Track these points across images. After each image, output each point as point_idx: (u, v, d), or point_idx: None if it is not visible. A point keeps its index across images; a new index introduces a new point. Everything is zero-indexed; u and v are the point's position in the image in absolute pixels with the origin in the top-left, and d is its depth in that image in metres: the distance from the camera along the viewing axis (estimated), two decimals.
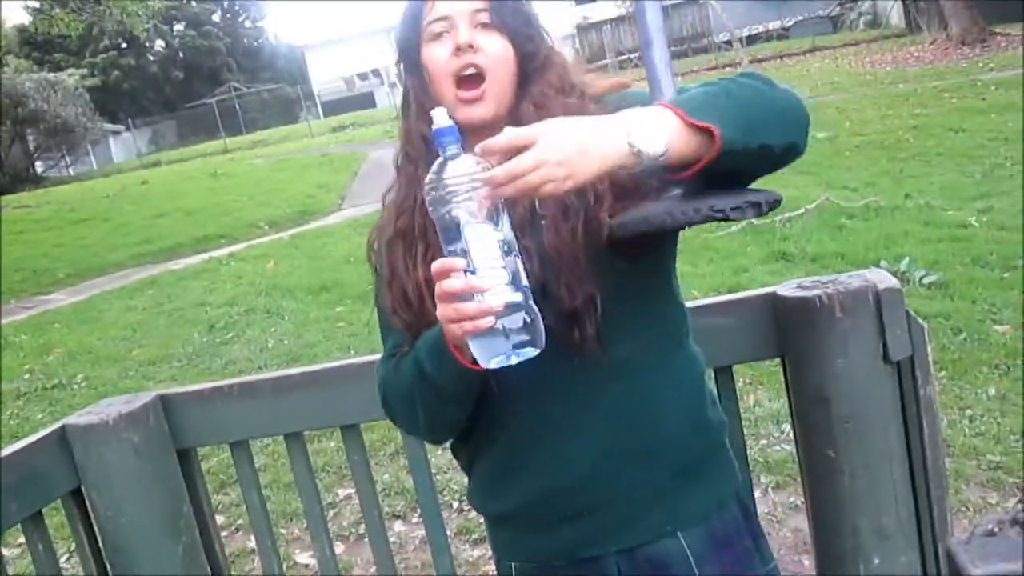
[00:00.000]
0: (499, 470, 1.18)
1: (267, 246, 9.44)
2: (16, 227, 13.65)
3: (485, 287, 0.92)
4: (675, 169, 0.94)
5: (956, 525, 1.67)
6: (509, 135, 0.90)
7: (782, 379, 1.50)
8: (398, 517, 3.26)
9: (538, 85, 1.12)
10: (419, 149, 1.15)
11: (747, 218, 0.95)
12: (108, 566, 1.61)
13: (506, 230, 0.94)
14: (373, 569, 1.93)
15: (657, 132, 0.91)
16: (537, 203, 1.06)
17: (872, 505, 1.37)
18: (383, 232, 1.18)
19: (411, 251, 1.12)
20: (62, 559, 2.89)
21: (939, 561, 1.38)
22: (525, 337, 0.95)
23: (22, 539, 1.78)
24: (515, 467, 1.15)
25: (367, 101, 33.84)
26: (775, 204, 0.94)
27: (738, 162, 0.95)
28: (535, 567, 1.19)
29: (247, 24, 44.65)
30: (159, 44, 40.72)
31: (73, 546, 1.66)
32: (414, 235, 1.12)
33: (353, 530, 3.19)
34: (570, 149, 0.88)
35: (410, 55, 1.14)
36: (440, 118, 0.94)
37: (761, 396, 3.62)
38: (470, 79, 1.08)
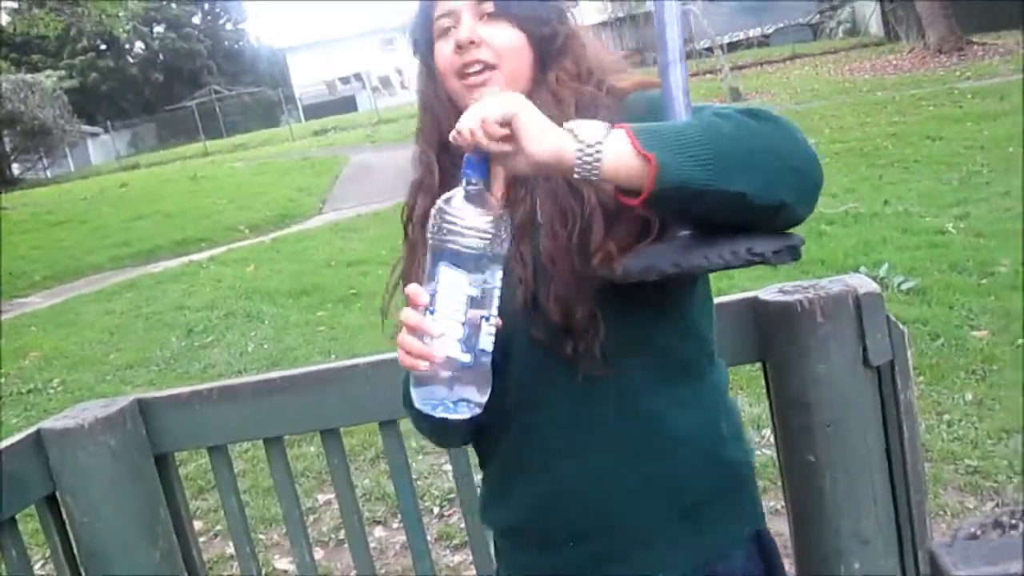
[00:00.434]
0: (497, 483, 1.17)
1: (247, 250, 9.38)
2: None
3: (435, 333, 0.90)
4: (626, 194, 0.88)
5: (935, 529, 1.68)
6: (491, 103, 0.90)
7: (763, 384, 1.50)
8: (378, 522, 3.24)
9: (552, 71, 1.08)
10: (429, 157, 1.14)
11: (784, 262, 0.88)
12: (83, 572, 1.59)
13: (484, 287, 0.91)
14: (353, 574, 1.92)
15: (599, 132, 0.87)
16: (539, 211, 1.03)
17: (852, 509, 1.37)
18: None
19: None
20: (37, 565, 2.85)
21: (918, 565, 1.39)
22: (467, 397, 0.93)
23: None
24: (510, 482, 1.13)
25: (349, 105, 33.78)
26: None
27: (705, 205, 0.86)
28: None
29: (228, 26, 44.47)
30: (139, 46, 40.48)
31: (48, 552, 1.64)
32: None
33: (333, 536, 3.17)
34: (537, 122, 0.87)
35: (425, 54, 1.13)
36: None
37: (742, 401, 3.64)
38: (476, 72, 1.06)
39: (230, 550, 3.02)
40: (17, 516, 1.53)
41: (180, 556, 1.65)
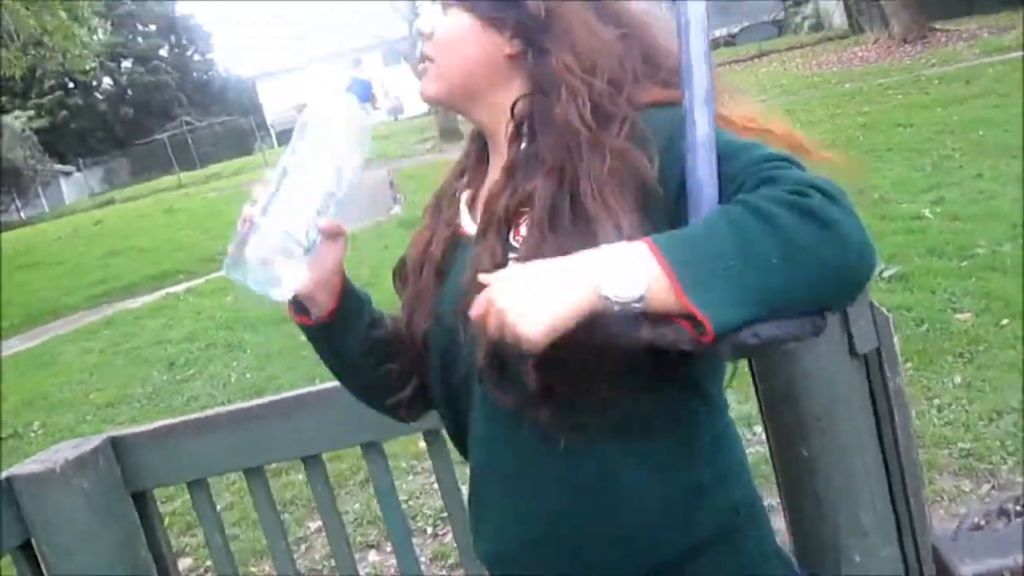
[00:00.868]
0: (473, 518, 1.11)
1: (225, 280, 9.19)
2: None
3: (252, 197, 0.98)
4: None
5: (933, 515, 1.66)
6: (476, 303, 0.81)
7: (750, 381, 1.47)
8: (372, 547, 3.19)
9: (539, 70, 0.97)
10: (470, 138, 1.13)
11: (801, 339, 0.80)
12: None
13: (299, 167, 0.97)
14: None
15: (636, 278, 0.77)
16: (519, 238, 0.95)
17: (848, 502, 1.35)
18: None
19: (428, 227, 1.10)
20: None
21: (920, 554, 1.36)
22: (249, 263, 0.98)
23: None
24: (481, 520, 1.09)
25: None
26: None
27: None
28: None
29: (196, 58, 44.31)
30: (107, 82, 40.22)
31: None
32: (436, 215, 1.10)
33: (326, 563, 3.12)
34: (525, 301, 0.77)
35: None
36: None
37: (730, 399, 3.61)
38: (423, 64, 1.04)
39: None
40: None
41: None
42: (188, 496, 1.65)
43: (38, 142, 28.66)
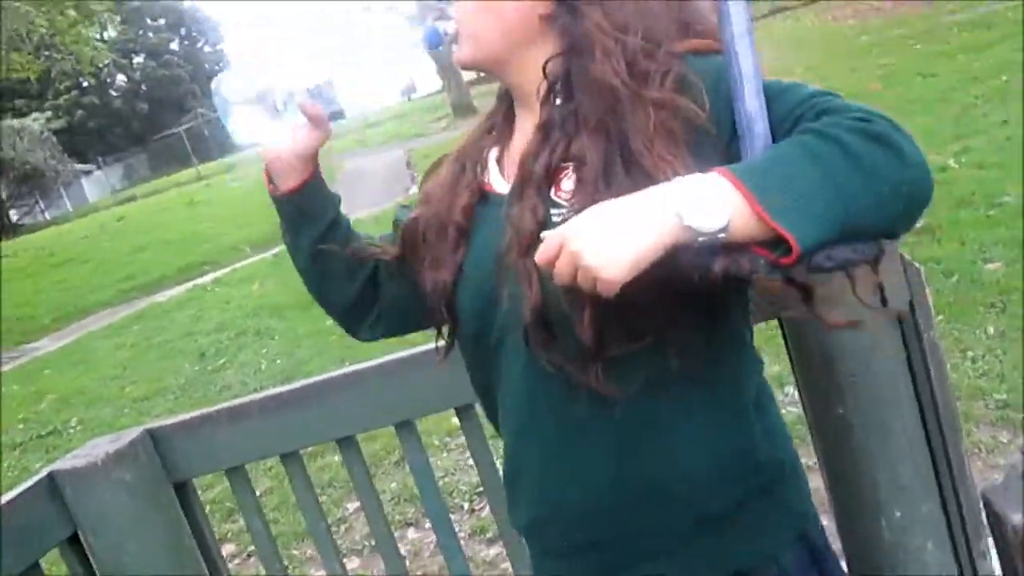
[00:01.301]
0: (507, 486, 1.12)
1: (251, 268, 9.36)
2: None
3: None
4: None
5: (971, 467, 1.65)
6: (543, 248, 0.81)
7: (781, 341, 1.46)
8: (410, 524, 3.22)
9: (570, 30, 0.96)
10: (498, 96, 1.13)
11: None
12: None
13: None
14: None
15: (716, 208, 0.77)
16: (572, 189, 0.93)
17: (888, 458, 1.33)
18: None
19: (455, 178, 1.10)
20: None
21: (961, 506, 1.35)
22: (239, 113, 1.04)
23: None
24: (514, 489, 1.09)
25: (336, 114, 33.63)
26: None
27: None
28: None
29: (207, 49, 44.40)
30: (120, 79, 40.43)
31: None
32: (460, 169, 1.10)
33: (366, 543, 3.15)
34: (604, 240, 0.77)
35: None
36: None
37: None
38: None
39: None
40: (42, 561, 1.51)
41: None
42: (227, 483, 1.67)
43: (57, 143, 28.87)
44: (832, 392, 1.33)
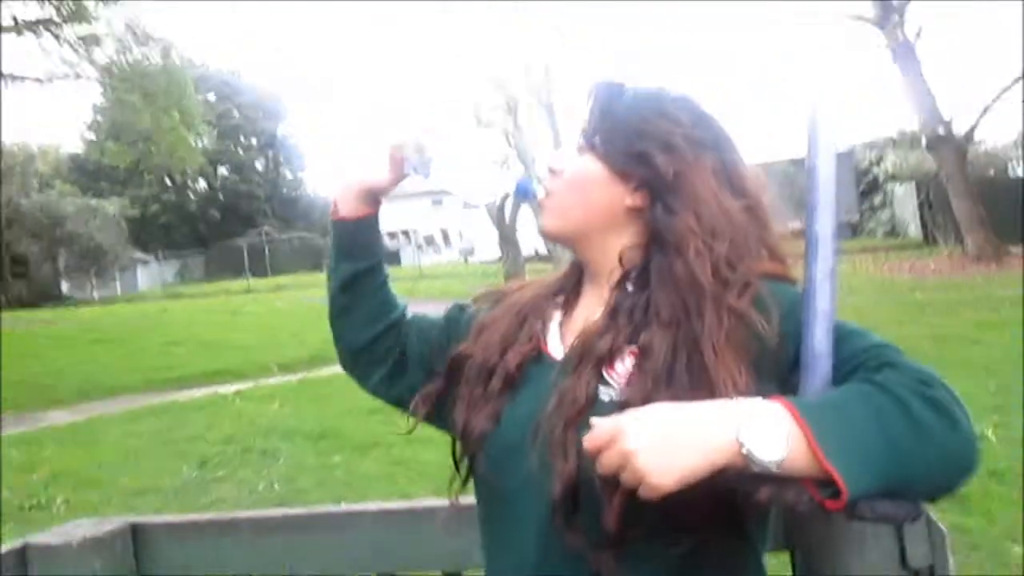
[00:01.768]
0: None
1: (275, 387, 9.37)
2: (32, 342, 13.76)
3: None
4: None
5: None
6: (594, 434, 0.82)
7: (790, 573, 1.40)
8: None
9: (663, 225, 1.00)
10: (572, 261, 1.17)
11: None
12: None
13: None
14: None
15: (776, 440, 0.78)
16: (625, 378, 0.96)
17: None
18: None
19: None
20: None
21: None
22: None
23: None
24: None
25: (392, 259, 34.64)
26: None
27: None
28: None
29: (288, 174, 46.59)
30: (202, 184, 42.42)
31: None
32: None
33: None
34: (660, 447, 0.78)
35: None
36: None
37: None
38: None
39: None
40: None
41: None
42: None
43: (126, 228, 30.04)
44: None
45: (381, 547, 1.49)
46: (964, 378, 7.24)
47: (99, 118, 29.04)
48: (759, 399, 0.82)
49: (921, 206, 21.53)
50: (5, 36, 16.49)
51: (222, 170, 42.64)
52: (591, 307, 1.06)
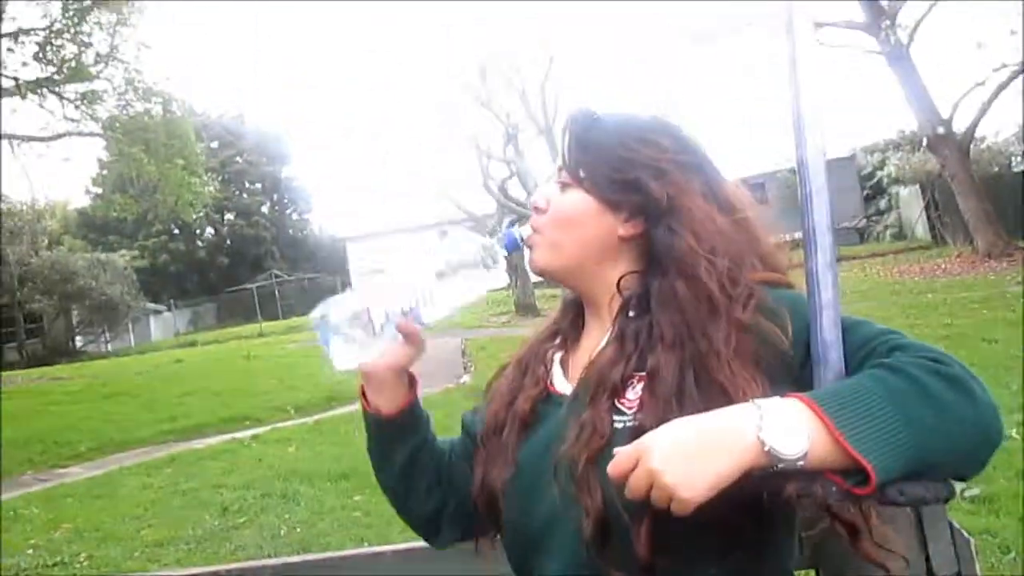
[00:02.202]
0: None
1: (291, 430, 9.36)
2: (47, 399, 13.79)
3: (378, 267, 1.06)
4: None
5: None
6: (617, 460, 0.83)
7: None
8: None
9: (663, 247, 1.02)
10: (564, 301, 1.18)
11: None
12: None
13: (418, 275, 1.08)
14: None
15: (797, 434, 0.79)
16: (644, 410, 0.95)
17: None
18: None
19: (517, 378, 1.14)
20: None
21: None
22: (340, 342, 1.07)
23: None
24: None
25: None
26: None
27: None
28: None
29: (294, 216, 46.90)
30: (209, 231, 42.73)
31: None
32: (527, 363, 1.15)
33: None
34: (684, 460, 0.79)
35: None
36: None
37: None
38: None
39: None
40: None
41: None
42: None
43: (136, 280, 30.22)
44: None
45: None
46: (984, 379, 7.16)
47: (104, 172, 29.34)
48: (774, 398, 0.83)
49: (927, 207, 21.48)
50: (7, 100, 16.74)
51: (228, 216, 42.96)
52: (594, 339, 1.07)
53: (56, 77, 17.29)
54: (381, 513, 5.59)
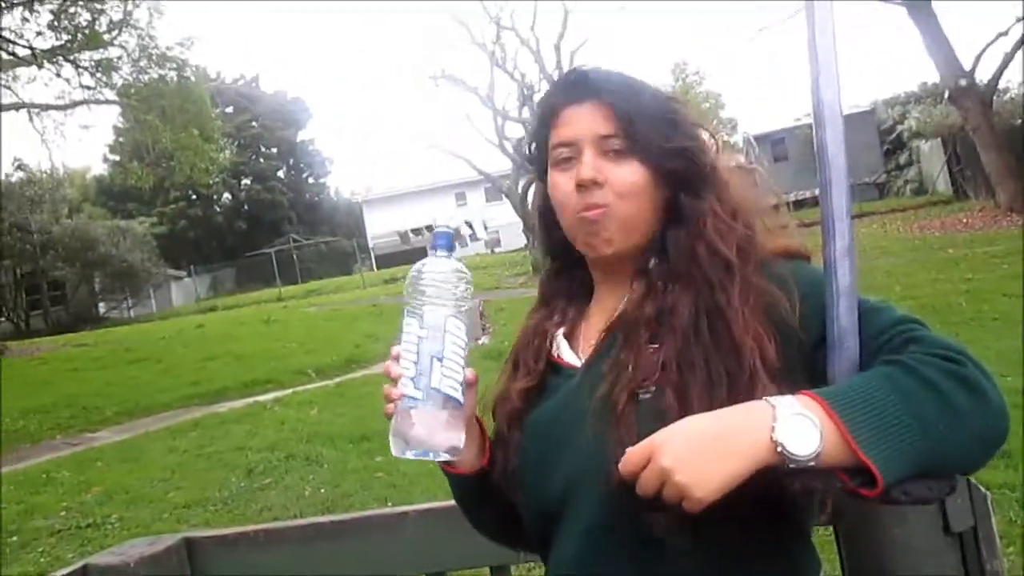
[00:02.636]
0: None
1: (312, 393, 9.47)
2: (72, 364, 14.02)
3: (394, 374, 1.00)
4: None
5: None
6: (628, 458, 0.84)
7: (835, 549, 1.41)
8: None
9: (694, 210, 1.01)
10: (547, 281, 1.16)
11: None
12: None
13: (432, 330, 0.99)
14: None
15: (810, 435, 0.79)
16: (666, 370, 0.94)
17: None
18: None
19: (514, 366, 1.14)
20: None
21: None
22: (416, 437, 0.98)
23: None
24: None
25: (420, 255, 34.57)
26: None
27: None
28: None
29: (310, 180, 46.94)
30: (226, 196, 42.87)
31: None
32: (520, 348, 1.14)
33: None
34: (696, 459, 0.80)
35: (539, 172, 1.10)
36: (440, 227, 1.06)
37: None
38: (595, 210, 1.01)
39: None
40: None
41: None
42: None
43: (156, 247, 30.45)
44: None
45: (429, 546, 1.52)
46: (1002, 334, 7.14)
47: (120, 140, 29.42)
48: (787, 396, 0.83)
49: (948, 161, 21.18)
50: (24, 70, 16.77)
51: (245, 181, 43.05)
52: (609, 305, 1.06)
53: (71, 45, 17.28)
54: (403, 473, 5.68)
